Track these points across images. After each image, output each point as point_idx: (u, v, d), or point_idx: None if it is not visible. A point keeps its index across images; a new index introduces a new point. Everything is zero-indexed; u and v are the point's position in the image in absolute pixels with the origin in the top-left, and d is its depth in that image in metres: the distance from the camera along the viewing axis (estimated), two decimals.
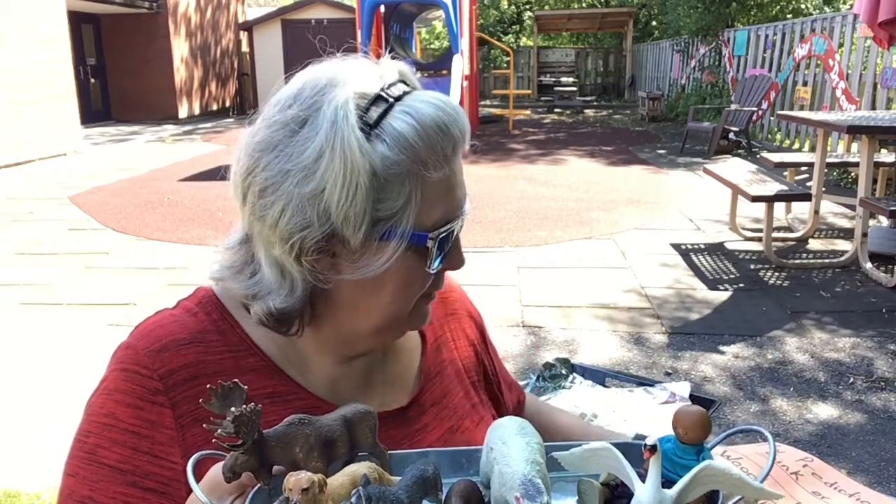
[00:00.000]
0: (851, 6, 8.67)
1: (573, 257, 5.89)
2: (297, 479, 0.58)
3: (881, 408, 3.36)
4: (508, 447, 0.65)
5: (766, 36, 12.40)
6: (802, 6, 14.59)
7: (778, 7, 14.93)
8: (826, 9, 14.51)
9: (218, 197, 8.04)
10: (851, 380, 3.63)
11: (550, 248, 6.17)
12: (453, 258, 0.86)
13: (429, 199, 0.79)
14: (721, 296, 4.91)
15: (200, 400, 0.64)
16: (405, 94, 0.79)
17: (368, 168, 0.74)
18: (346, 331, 0.87)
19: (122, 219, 7.45)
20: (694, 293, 4.96)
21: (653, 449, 0.61)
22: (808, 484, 1.13)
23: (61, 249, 6.37)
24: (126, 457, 0.81)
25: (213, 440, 0.61)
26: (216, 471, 0.64)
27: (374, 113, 0.75)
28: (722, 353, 3.99)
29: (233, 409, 0.61)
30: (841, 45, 9.81)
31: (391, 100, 0.77)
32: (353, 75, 0.78)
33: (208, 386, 0.62)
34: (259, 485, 0.64)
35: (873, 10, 5.58)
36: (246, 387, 0.63)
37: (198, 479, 0.65)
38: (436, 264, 0.82)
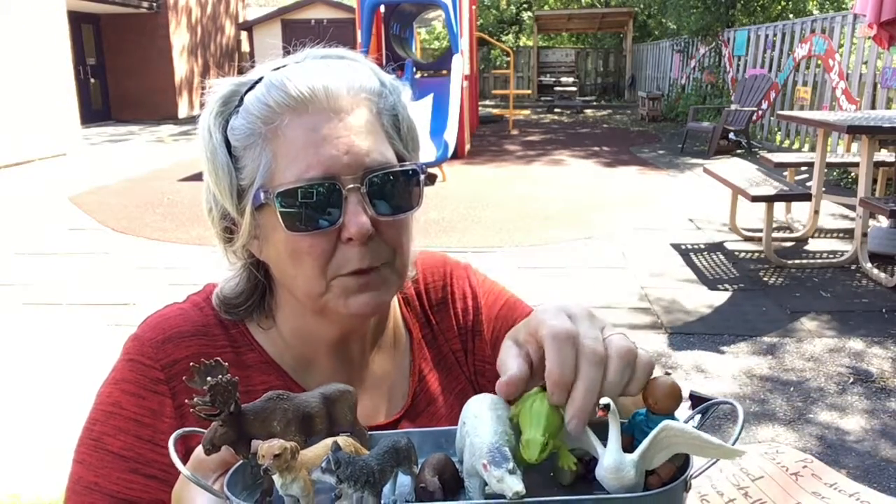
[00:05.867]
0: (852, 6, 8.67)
1: (573, 257, 5.89)
2: (269, 446, 0.58)
3: (881, 408, 3.36)
4: (480, 420, 0.65)
5: (766, 36, 12.40)
6: (807, 2, 14.61)
7: (780, 7, 14.94)
8: (828, 7, 14.52)
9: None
10: (851, 380, 3.63)
11: (550, 248, 6.17)
12: (348, 223, 0.79)
13: (282, 158, 0.80)
14: (721, 296, 4.91)
15: (184, 378, 0.65)
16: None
17: (221, 140, 0.83)
18: (295, 313, 0.90)
19: (122, 219, 7.45)
20: (694, 293, 4.96)
21: (606, 408, 0.61)
22: (807, 484, 1.13)
23: (61, 249, 6.37)
24: (129, 444, 0.84)
25: (192, 410, 0.62)
26: (200, 449, 0.65)
27: (235, 99, 0.84)
28: (721, 353, 3.99)
29: (209, 378, 0.61)
30: (841, 45, 9.81)
31: (249, 86, 0.84)
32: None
33: (191, 364, 0.63)
34: (240, 462, 0.65)
35: (876, 9, 5.58)
36: (227, 364, 0.64)
37: (187, 459, 0.66)
38: (287, 221, 0.79)
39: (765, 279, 5.24)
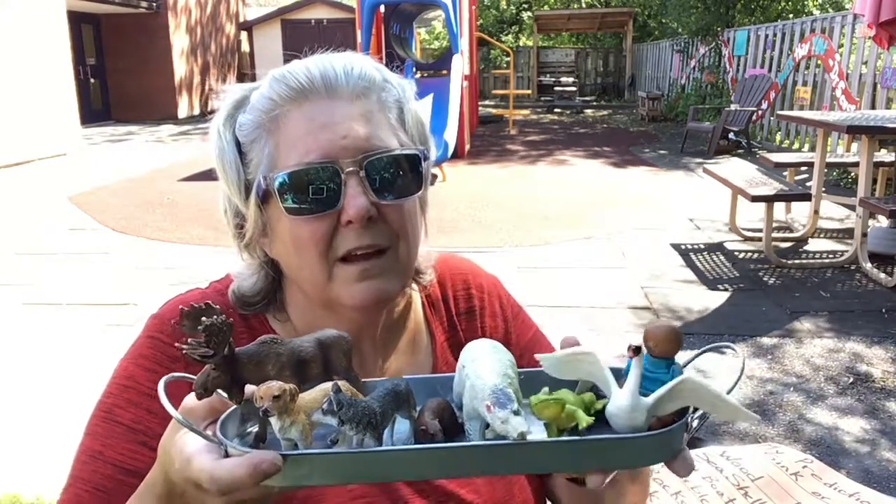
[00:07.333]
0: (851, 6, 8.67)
1: (573, 257, 5.88)
2: (268, 388, 0.58)
3: (881, 408, 3.36)
4: (479, 363, 0.65)
5: (766, 36, 12.40)
6: (807, 2, 14.61)
7: (780, 7, 14.94)
8: (828, 7, 14.54)
9: (217, 197, 8.02)
10: (851, 380, 3.63)
11: (550, 248, 6.17)
12: (347, 206, 0.80)
13: (284, 147, 0.82)
14: (721, 296, 4.91)
15: (172, 321, 0.65)
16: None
17: (231, 138, 0.85)
18: (304, 309, 0.91)
19: (122, 219, 7.45)
20: (694, 293, 4.96)
21: (637, 350, 0.61)
22: (807, 484, 1.13)
23: (61, 249, 6.37)
24: (140, 417, 0.85)
25: (183, 352, 0.61)
26: (190, 397, 0.65)
27: (246, 102, 0.86)
28: (721, 353, 3.98)
29: (203, 318, 0.60)
30: (841, 45, 9.81)
31: (256, 88, 0.87)
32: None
33: (180, 307, 0.63)
34: (230, 409, 0.64)
35: (875, 9, 5.59)
36: (218, 306, 0.63)
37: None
38: (286, 205, 0.81)
39: (765, 279, 5.24)
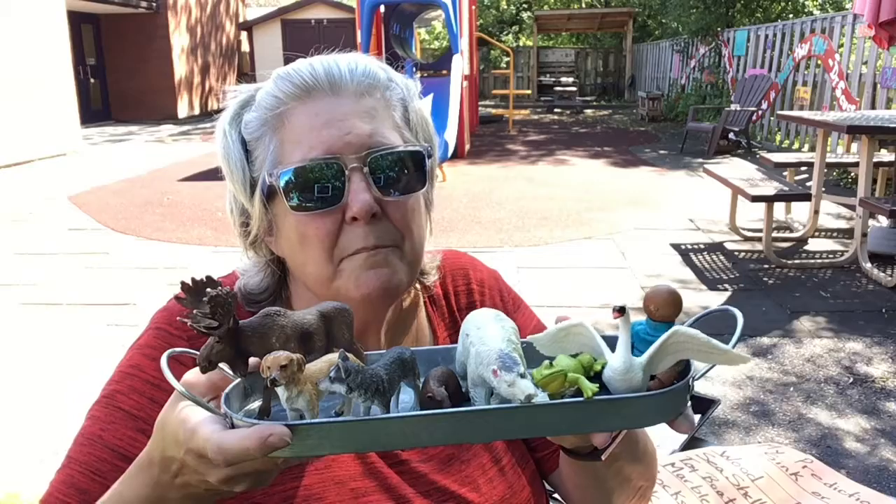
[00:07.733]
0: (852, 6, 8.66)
1: (573, 257, 5.89)
2: (275, 357, 0.57)
3: (881, 408, 3.36)
4: (484, 330, 0.66)
5: (766, 36, 12.40)
6: (807, 2, 14.63)
7: (780, 7, 14.95)
8: (829, 8, 14.55)
9: (217, 197, 8.03)
10: (851, 380, 3.63)
11: (550, 248, 6.17)
12: (351, 202, 0.81)
13: (288, 143, 0.83)
14: (721, 296, 4.91)
15: (174, 295, 0.64)
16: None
17: (237, 137, 0.86)
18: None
19: (122, 219, 7.45)
20: (694, 293, 4.96)
21: (621, 310, 0.61)
22: (807, 484, 1.13)
23: (61, 249, 6.37)
24: (142, 405, 0.85)
25: (190, 324, 0.60)
26: (192, 373, 0.64)
27: (252, 101, 0.87)
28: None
29: (208, 290, 0.60)
30: (841, 45, 9.81)
31: (261, 87, 0.88)
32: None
33: (181, 280, 0.63)
34: (232, 384, 0.63)
35: (874, 10, 5.59)
36: (219, 278, 0.63)
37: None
38: (291, 202, 0.82)
39: (765, 279, 5.24)
